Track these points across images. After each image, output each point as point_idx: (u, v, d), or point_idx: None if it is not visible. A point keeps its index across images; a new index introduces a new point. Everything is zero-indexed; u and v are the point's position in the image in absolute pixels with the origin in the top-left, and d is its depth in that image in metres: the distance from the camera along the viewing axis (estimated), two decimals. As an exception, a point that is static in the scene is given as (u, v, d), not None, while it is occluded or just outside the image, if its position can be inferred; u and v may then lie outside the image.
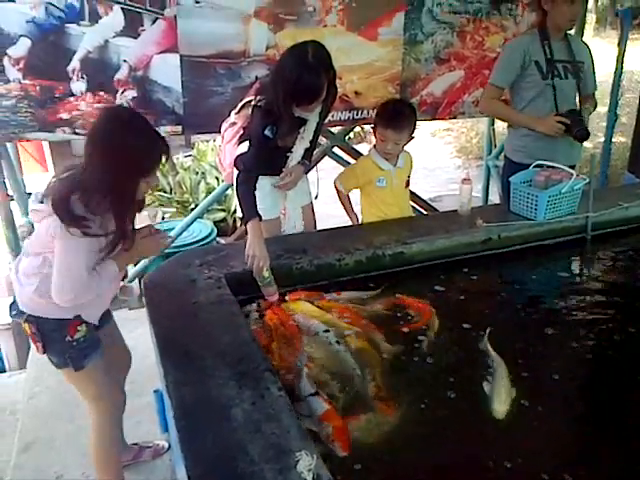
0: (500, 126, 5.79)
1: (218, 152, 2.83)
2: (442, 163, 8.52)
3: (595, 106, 2.97)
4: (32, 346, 2.92)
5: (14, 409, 2.73)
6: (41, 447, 2.35)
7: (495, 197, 4.93)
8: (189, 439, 1.25)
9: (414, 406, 1.57)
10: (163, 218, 5.46)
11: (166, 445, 2.32)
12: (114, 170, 1.59)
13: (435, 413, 1.56)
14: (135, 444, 2.32)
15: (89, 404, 1.95)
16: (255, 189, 2.25)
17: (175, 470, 2.04)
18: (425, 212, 4.40)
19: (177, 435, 1.27)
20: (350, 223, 2.78)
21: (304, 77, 2.11)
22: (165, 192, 6.01)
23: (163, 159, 1.67)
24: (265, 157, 2.31)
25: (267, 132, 2.24)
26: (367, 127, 7.54)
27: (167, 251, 3.61)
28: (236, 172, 2.55)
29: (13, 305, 1.81)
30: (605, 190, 3.91)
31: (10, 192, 3.12)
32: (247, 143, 2.43)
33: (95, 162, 1.60)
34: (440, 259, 2.42)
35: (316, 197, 2.86)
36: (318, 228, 2.86)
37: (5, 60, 2.77)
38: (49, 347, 1.82)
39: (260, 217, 2.18)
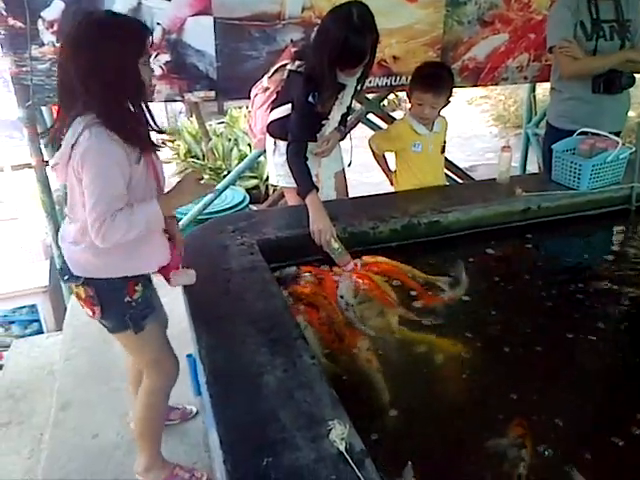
0: (541, 93, 5.59)
1: (248, 118, 2.79)
2: (478, 132, 8.33)
3: None
4: (69, 309, 3.04)
5: (52, 369, 2.80)
6: (78, 407, 2.40)
7: (533, 167, 4.79)
8: (221, 404, 1.25)
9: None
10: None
11: (194, 410, 2.33)
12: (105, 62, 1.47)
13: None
14: None
15: (146, 370, 1.89)
16: (306, 159, 2.22)
17: (207, 434, 2.06)
18: (461, 181, 4.30)
19: (209, 400, 1.27)
20: (384, 191, 2.72)
21: (350, 39, 2.02)
22: (198, 159, 6.03)
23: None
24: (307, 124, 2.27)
25: (310, 99, 2.19)
26: (401, 94, 7.40)
27: (200, 217, 3.62)
28: (271, 139, 2.52)
29: (63, 270, 1.73)
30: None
31: (46, 157, 3.14)
32: (281, 109, 2.39)
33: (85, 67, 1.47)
34: (477, 228, 2.36)
35: (349, 165, 2.81)
36: (350, 196, 2.81)
37: (39, 23, 2.75)
38: (107, 310, 1.72)
39: (317, 188, 2.15)
